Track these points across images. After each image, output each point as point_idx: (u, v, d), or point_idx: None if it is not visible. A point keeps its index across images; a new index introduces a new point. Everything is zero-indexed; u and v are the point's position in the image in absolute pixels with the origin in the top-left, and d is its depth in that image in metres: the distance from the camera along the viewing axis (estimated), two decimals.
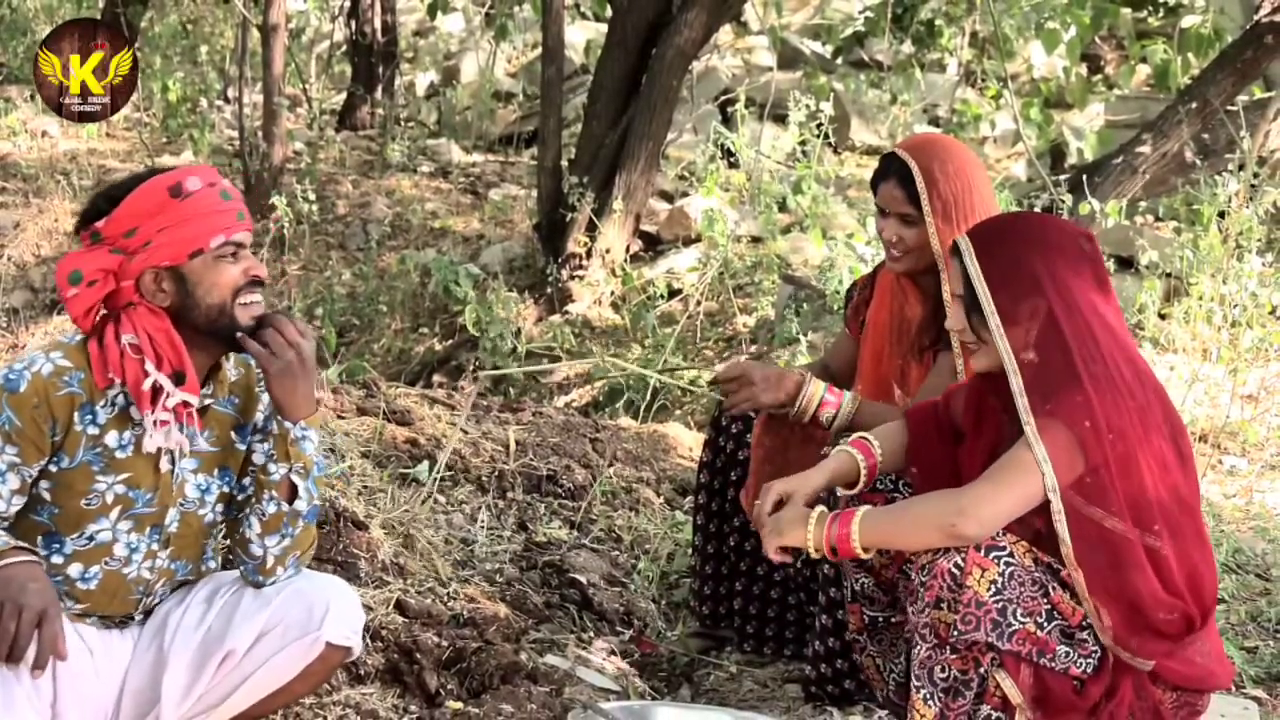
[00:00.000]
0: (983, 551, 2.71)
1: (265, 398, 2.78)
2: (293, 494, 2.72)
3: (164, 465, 2.66)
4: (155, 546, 2.69)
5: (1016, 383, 2.76)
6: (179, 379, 2.59)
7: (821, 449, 3.38)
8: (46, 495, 2.59)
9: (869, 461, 3.02)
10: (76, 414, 2.57)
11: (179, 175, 2.62)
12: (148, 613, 2.76)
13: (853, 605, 3.12)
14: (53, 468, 2.58)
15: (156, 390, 2.58)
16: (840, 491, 3.04)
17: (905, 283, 3.54)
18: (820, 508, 2.89)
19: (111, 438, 2.61)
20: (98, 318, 2.61)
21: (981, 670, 2.72)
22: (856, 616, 3.12)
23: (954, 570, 2.70)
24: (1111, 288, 2.88)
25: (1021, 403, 2.74)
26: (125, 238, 2.58)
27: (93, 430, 2.59)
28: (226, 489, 2.78)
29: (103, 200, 2.63)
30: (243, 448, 2.78)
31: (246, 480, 2.77)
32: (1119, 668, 2.75)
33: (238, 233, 2.64)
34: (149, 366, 2.57)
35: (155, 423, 2.59)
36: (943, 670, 2.75)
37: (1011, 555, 2.72)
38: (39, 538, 2.59)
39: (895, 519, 2.84)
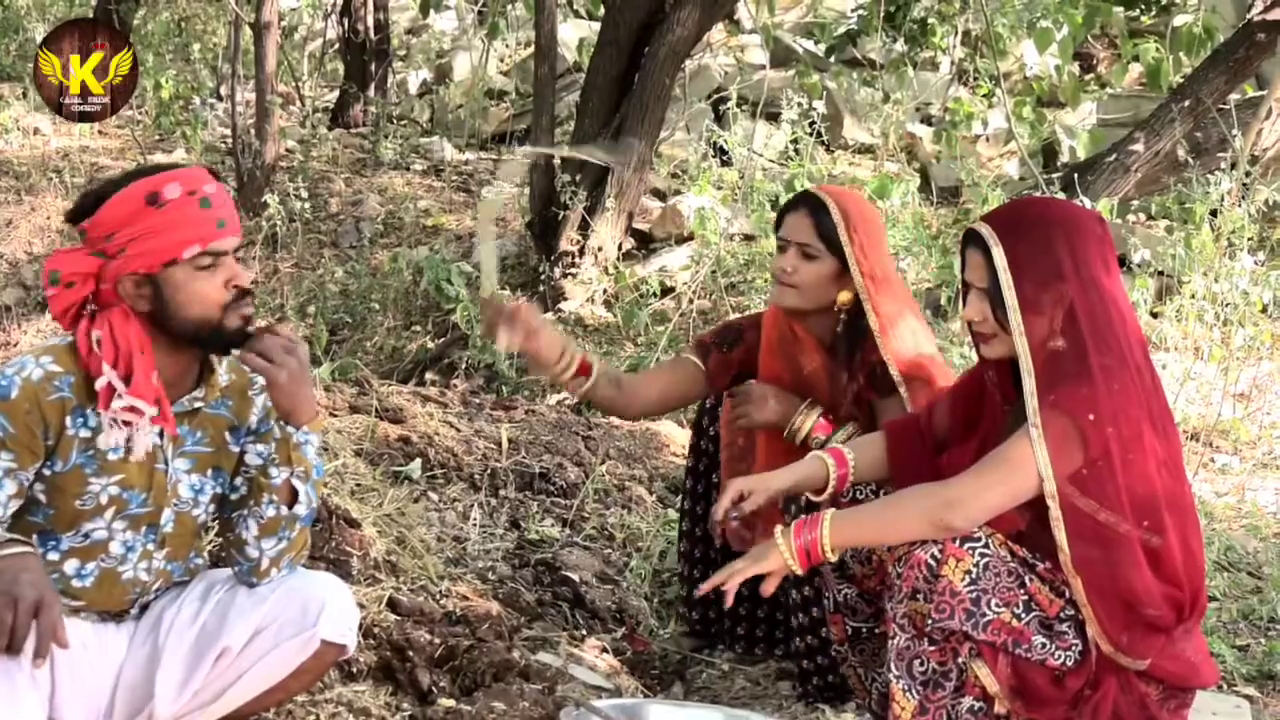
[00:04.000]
0: (958, 543, 2.71)
1: (259, 401, 2.78)
2: (293, 498, 2.72)
3: (157, 466, 2.65)
4: (151, 547, 2.69)
5: (1027, 363, 2.73)
6: (129, 382, 2.57)
7: None
8: (41, 497, 2.59)
9: (840, 470, 3.00)
10: (68, 418, 2.56)
11: (159, 181, 2.56)
12: (143, 608, 2.76)
13: (835, 616, 3.11)
14: (46, 471, 2.57)
15: (111, 390, 2.56)
16: (811, 497, 3.03)
17: (797, 329, 3.51)
18: (779, 527, 2.86)
19: (103, 440, 2.60)
20: (85, 313, 2.59)
21: (960, 661, 2.73)
22: (839, 627, 3.12)
23: (930, 561, 2.70)
24: (1118, 270, 2.86)
25: (1030, 385, 2.72)
26: (105, 241, 2.56)
27: (85, 433, 2.58)
28: (219, 490, 2.78)
29: (88, 199, 2.60)
30: (236, 450, 2.77)
31: (239, 481, 2.77)
32: (1102, 661, 2.75)
33: (215, 241, 2.57)
34: (105, 366, 2.55)
35: (110, 422, 2.57)
36: (921, 663, 2.75)
37: (987, 546, 2.72)
38: (34, 536, 2.58)
39: (875, 514, 2.84)
